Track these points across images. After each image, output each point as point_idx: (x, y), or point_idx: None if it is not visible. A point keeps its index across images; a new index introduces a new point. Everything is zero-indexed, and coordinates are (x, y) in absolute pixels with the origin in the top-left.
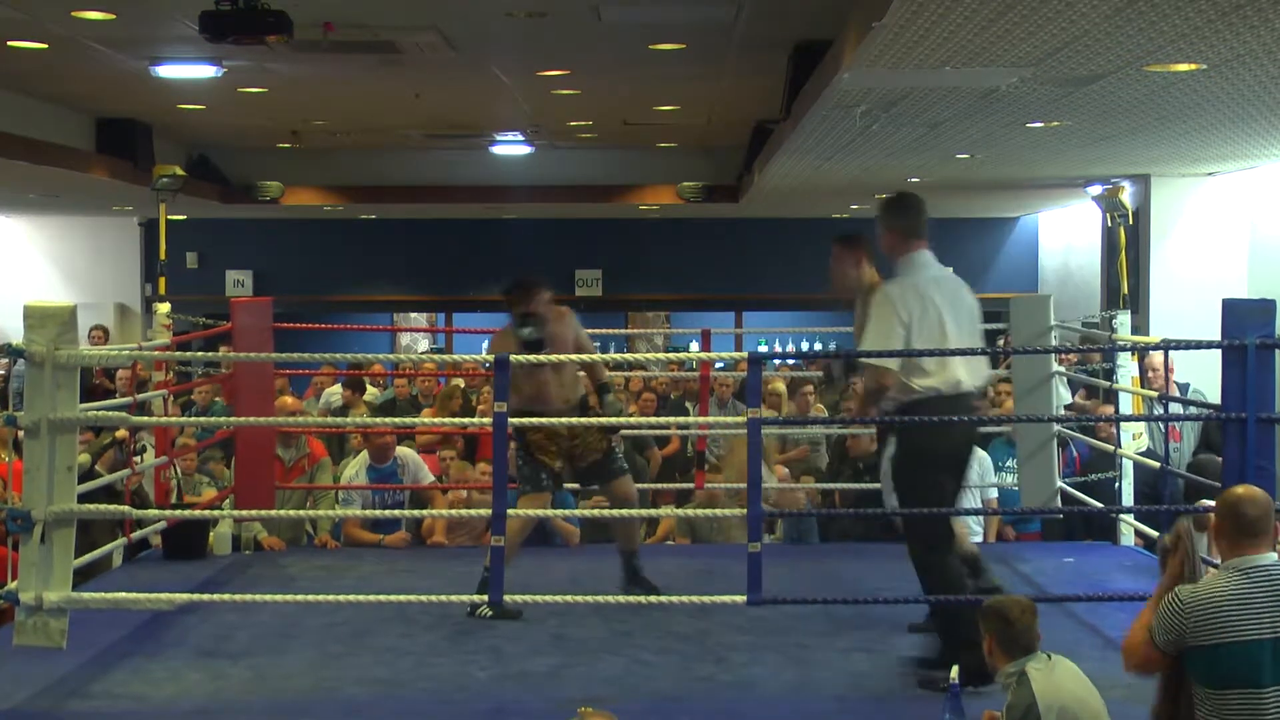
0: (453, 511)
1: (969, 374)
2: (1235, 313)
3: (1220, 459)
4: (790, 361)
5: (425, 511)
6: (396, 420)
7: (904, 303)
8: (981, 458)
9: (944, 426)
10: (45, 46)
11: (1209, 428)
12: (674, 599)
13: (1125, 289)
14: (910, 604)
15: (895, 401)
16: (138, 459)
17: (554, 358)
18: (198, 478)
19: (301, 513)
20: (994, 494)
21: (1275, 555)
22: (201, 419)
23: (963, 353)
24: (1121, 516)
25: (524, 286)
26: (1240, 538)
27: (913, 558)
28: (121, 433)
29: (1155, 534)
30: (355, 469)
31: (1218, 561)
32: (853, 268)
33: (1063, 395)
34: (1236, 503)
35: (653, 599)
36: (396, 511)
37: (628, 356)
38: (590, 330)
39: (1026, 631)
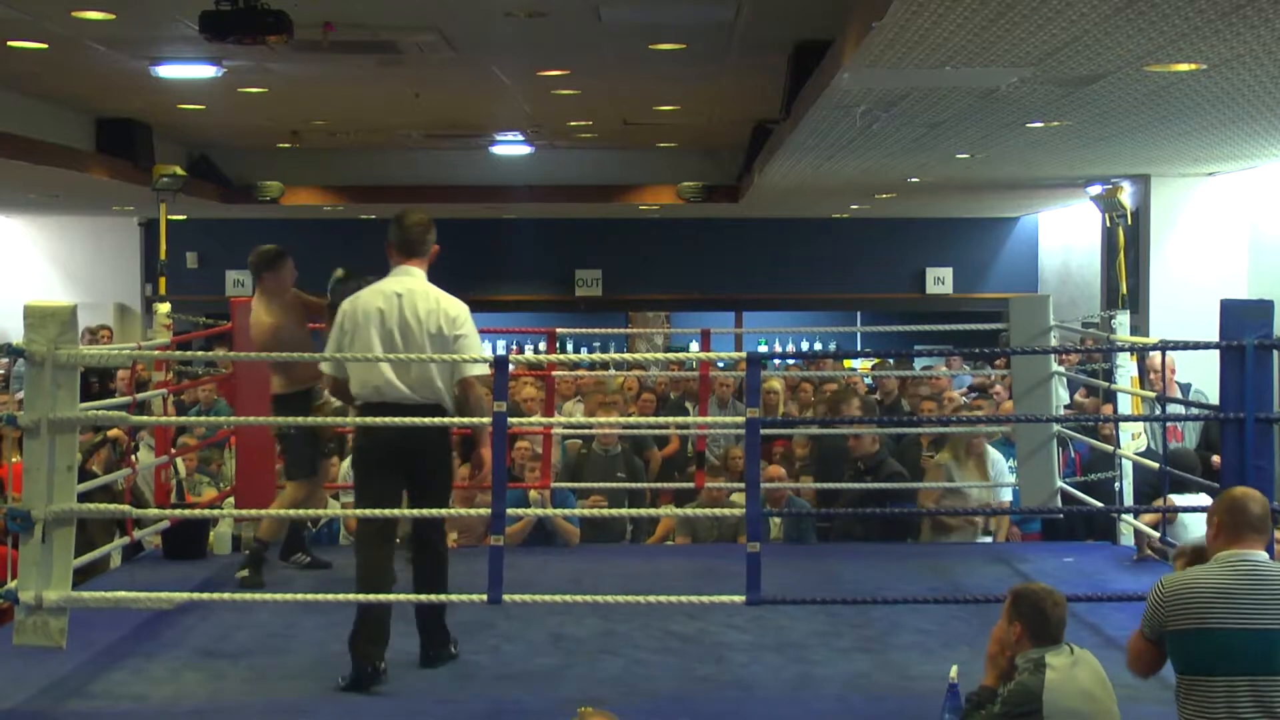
0: (452, 511)
1: (399, 387)
2: (1233, 313)
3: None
4: (791, 362)
5: (425, 511)
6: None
7: (346, 312)
8: (995, 460)
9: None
10: (45, 46)
11: (1209, 428)
12: (674, 599)
13: (1125, 289)
14: (910, 604)
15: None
16: (133, 458)
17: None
18: (198, 477)
19: (301, 512)
20: (1007, 495)
21: (1265, 553)
22: (202, 419)
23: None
24: (1121, 516)
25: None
26: (1238, 533)
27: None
28: (114, 431)
29: (1156, 533)
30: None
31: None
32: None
33: (1061, 395)
34: (1239, 501)
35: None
36: (396, 511)
37: (628, 356)
38: (590, 330)
39: (1058, 623)
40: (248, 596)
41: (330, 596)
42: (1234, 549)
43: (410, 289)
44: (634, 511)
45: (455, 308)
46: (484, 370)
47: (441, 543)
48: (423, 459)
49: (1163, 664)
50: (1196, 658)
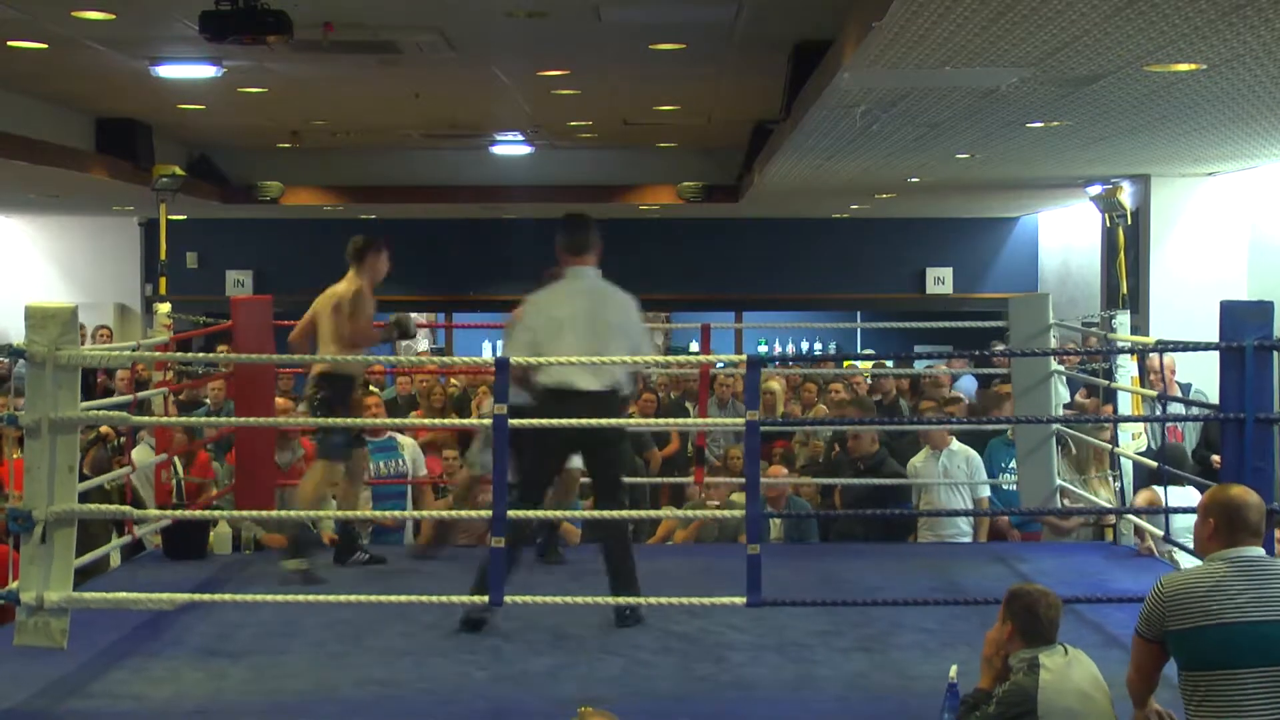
0: (452, 512)
1: (587, 376)
2: (1233, 314)
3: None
4: (791, 362)
5: (426, 512)
6: (398, 421)
7: (535, 308)
8: (970, 457)
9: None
10: (45, 46)
11: (1209, 428)
12: (674, 600)
13: (1125, 289)
14: (910, 604)
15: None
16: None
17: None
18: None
19: (302, 513)
20: (985, 493)
21: (1262, 549)
22: (203, 419)
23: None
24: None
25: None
26: (1236, 533)
27: None
28: (106, 430)
29: (1159, 533)
30: None
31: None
32: None
33: (1061, 394)
34: (1236, 502)
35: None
36: (398, 513)
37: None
38: None
39: (1050, 625)
40: (248, 596)
41: (330, 597)
42: (1229, 549)
43: (592, 286)
44: (634, 513)
45: (630, 301)
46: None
47: (621, 521)
48: (604, 441)
49: (1162, 666)
50: (1201, 654)
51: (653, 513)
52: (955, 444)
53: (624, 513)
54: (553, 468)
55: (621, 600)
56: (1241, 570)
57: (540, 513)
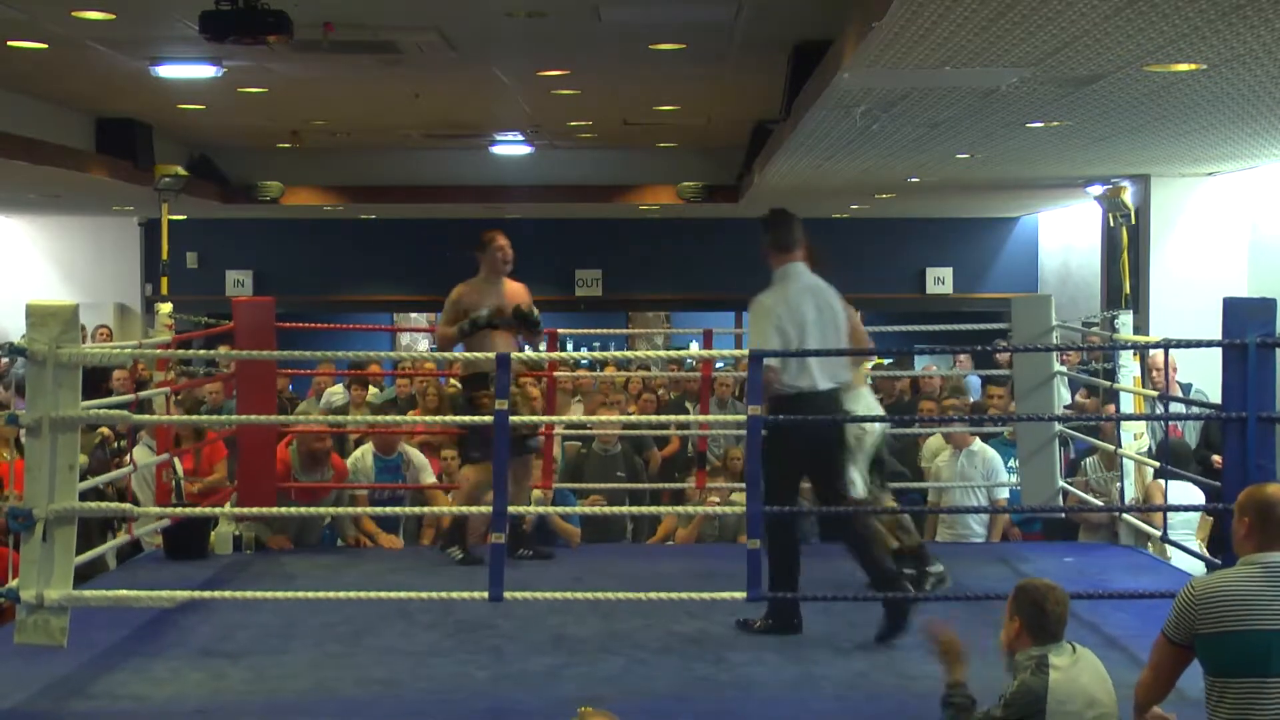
0: (453, 510)
1: (825, 376)
2: (1236, 312)
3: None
4: None
5: (427, 509)
6: (399, 420)
7: (775, 312)
8: (989, 458)
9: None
10: (45, 46)
11: (1210, 427)
12: (674, 596)
13: (1127, 289)
14: (911, 604)
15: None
16: (128, 456)
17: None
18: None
19: (303, 510)
20: (1003, 494)
21: None
22: (204, 418)
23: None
24: (1122, 516)
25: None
26: (1271, 535)
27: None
28: (105, 431)
29: (1157, 533)
30: (362, 452)
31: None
32: None
33: (1063, 395)
34: (1271, 501)
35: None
36: (396, 510)
37: (628, 355)
38: (590, 330)
39: (1058, 621)
40: (249, 595)
41: (330, 595)
42: (1265, 552)
43: (812, 282)
44: (634, 510)
45: (837, 292)
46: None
47: (859, 520)
48: (830, 444)
49: (1182, 671)
50: (1229, 660)
51: (653, 510)
52: (976, 444)
53: (624, 510)
54: (796, 474)
55: (890, 596)
56: (1275, 576)
57: (541, 510)
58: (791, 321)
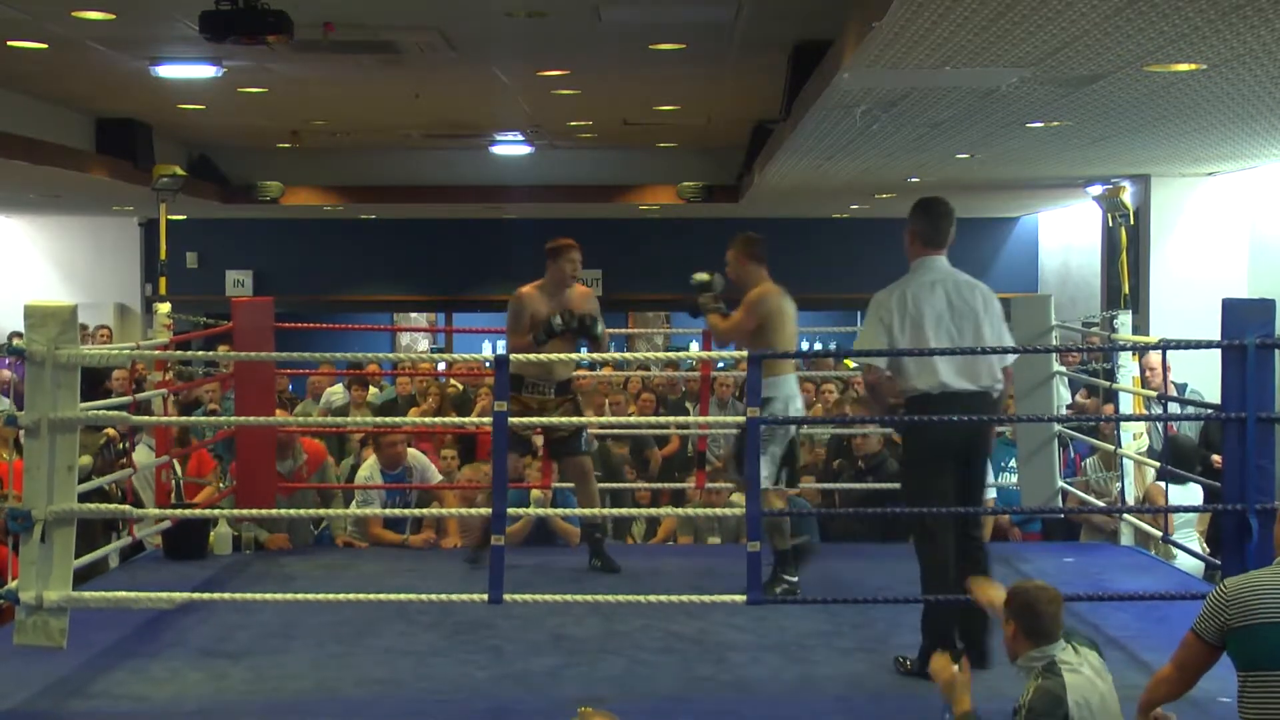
0: (452, 511)
1: (959, 376)
2: (1235, 312)
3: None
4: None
5: (426, 511)
6: (400, 420)
7: (887, 307)
8: None
9: (930, 424)
10: (45, 46)
11: (1209, 427)
12: (674, 598)
13: (1126, 289)
14: (910, 603)
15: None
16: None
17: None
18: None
19: (301, 512)
20: (991, 494)
21: None
22: (204, 419)
23: (942, 352)
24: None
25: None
26: None
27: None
28: (111, 431)
29: (1158, 533)
30: (369, 470)
31: None
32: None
33: (1063, 395)
34: None
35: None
36: (399, 511)
37: (628, 356)
38: None
39: (1052, 621)
40: (249, 596)
41: (331, 596)
42: None
43: (954, 279)
44: (634, 511)
45: (990, 292)
46: (1013, 359)
47: (979, 531)
48: (981, 448)
49: (1206, 670)
50: (1262, 652)
51: (653, 511)
52: None
53: (624, 511)
54: (945, 481)
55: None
56: None
57: (540, 511)
58: (904, 317)
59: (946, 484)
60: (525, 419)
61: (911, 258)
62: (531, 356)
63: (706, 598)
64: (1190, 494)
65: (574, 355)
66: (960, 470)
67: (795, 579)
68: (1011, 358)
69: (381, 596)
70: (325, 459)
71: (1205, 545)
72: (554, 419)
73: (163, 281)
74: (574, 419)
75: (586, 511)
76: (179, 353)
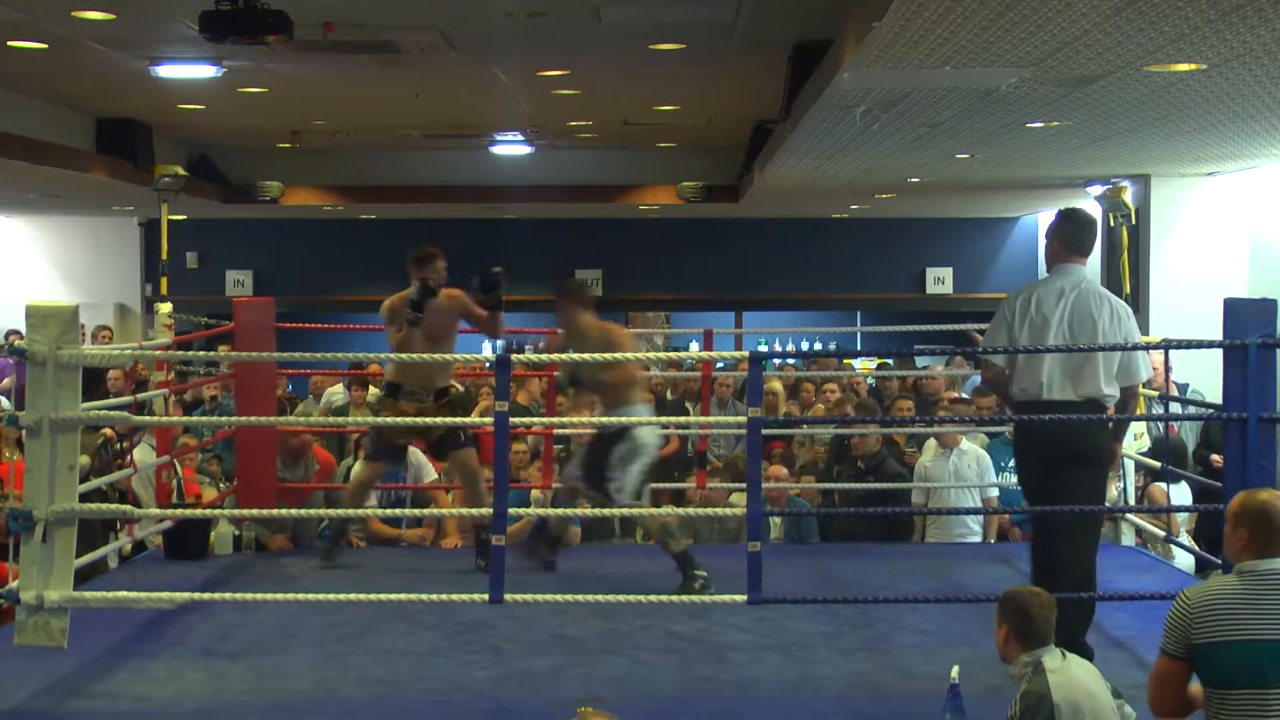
0: (452, 511)
1: (1062, 383)
2: (1236, 312)
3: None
4: (791, 361)
5: (426, 511)
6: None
7: (1011, 306)
8: (980, 457)
9: (1027, 429)
10: (45, 46)
11: (1209, 427)
12: (674, 598)
13: (1127, 288)
14: (911, 604)
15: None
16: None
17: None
18: (198, 477)
19: (301, 512)
20: (994, 493)
21: None
22: (203, 419)
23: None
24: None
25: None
26: (1269, 545)
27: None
28: (108, 431)
29: (1161, 533)
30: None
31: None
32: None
33: None
34: (1269, 510)
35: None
36: (397, 511)
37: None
38: None
39: (1044, 625)
40: (249, 596)
41: (331, 596)
42: (1262, 560)
43: (1084, 288)
44: (634, 511)
45: (1124, 308)
46: (1148, 375)
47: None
48: (1076, 460)
49: (1188, 683)
50: (1227, 671)
51: (652, 511)
52: (965, 443)
53: (624, 511)
54: (1036, 488)
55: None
56: (1272, 585)
57: (540, 511)
58: (1024, 319)
59: (1047, 485)
60: (408, 419)
61: (1051, 263)
62: (423, 357)
63: (707, 598)
64: (1180, 493)
65: (459, 357)
66: (1058, 471)
67: (705, 573)
68: (1145, 373)
69: (381, 596)
70: (335, 469)
71: (1194, 544)
72: (436, 419)
73: (164, 281)
74: (450, 419)
75: (584, 512)
76: (180, 353)
